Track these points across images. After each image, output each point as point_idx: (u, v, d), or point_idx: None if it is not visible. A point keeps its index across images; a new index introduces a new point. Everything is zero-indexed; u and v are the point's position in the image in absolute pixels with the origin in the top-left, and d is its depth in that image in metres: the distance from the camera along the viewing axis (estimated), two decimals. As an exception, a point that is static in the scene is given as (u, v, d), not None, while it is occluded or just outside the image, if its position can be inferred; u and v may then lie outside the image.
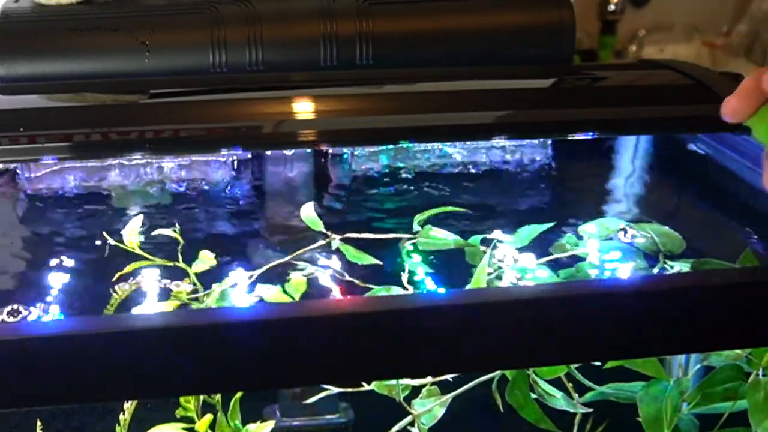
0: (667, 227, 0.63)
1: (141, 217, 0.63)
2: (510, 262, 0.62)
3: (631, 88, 0.69)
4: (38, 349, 0.38)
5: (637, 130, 0.72)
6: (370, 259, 0.61)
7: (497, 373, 0.57)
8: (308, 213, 0.64)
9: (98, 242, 0.65)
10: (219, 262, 0.61)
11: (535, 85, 0.68)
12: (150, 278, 0.60)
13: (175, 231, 0.62)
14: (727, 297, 0.43)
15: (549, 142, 0.76)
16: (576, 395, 0.57)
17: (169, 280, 0.60)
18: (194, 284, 0.59)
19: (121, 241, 0.63)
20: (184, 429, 0.55)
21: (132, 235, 0.62)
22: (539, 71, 0.69)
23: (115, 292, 0.59)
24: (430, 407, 0.57)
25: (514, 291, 0.46)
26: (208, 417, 0.55)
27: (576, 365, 0.57)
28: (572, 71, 0.72)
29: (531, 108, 0.64)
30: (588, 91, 0.69)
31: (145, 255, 0.60)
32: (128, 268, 0.60)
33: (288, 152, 0.73)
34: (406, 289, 0.58)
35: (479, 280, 0.58)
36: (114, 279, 0.59)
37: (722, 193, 0.72)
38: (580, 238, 0.63)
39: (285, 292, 0.59)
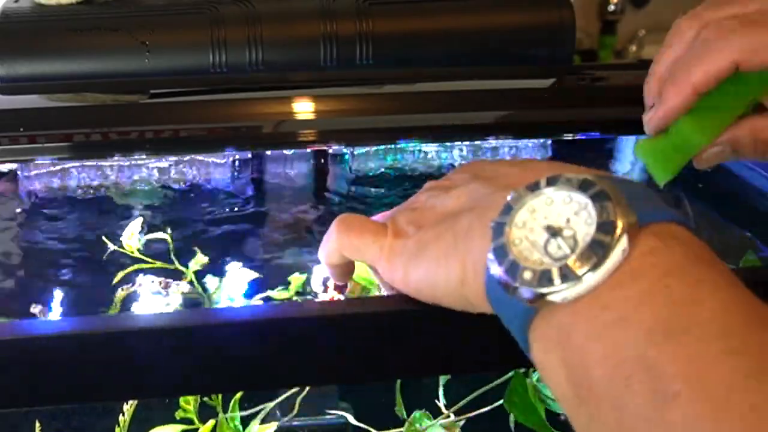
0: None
1: (140, 219, 0.63)
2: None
3: (631, 88, 0.69)
4: (38, 349, 0.38)
5: (636, 131, 0.72)
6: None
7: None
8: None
9: (98, 243, 0.65)
10: (219, 262, 0.61)
11: (534, 85, 0.68)
12: (149, 279, 0.60)
13: (174, 231, 0.62)
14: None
15: (549, 142, 0.76)
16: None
17: (169, 280, 0.60)
18: (192, 284, 0.59)
19: (121, 244, 0.63)
20: (183, 430, 0.55)
21: (131, 238, 0.62)
22: (538, 71, 0.69)
23: (114, 296, 0.59)
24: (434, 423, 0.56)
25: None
26: (212, 422, 0.55)
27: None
28: (572, 71, 0.72)
29: (530, 108, 0.64)
30: (587, 92, 0.69)
31: (144, 258, 0.60)
32: (128, 270, 0.60)
33: (288, 152, 0.73)
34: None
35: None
36: (115, 281, 0.59)
37: (722, 194, 0.72)
38: None
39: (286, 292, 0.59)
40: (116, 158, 0.67)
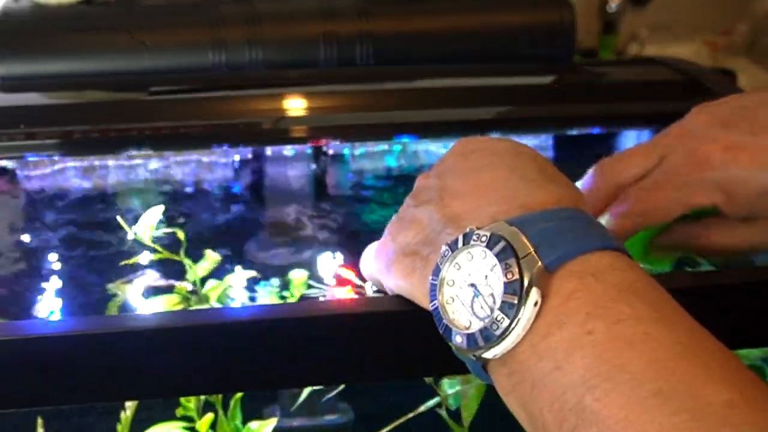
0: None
1: (161, 208, 0.62)
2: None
3: (626, 84, 0.70)
4: (38, 349, 0.38)
5: (632, 126, 0.72)
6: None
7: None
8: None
9: (98, 243, 0.65)
10: (219, 261, 0.61)
11: (526, 81, 0.68)
12: (151, 275, 0.60)
13: (175, 229, 0.62)
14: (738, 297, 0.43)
15: (550, 143, 0.76)
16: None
17: (168, 278, 0.60)
18: (195, 283, 0.59)
19: (121, 239, 0.63)
20: (184, 428, 0.55)
21: (148, 228, 0.61)
22: (533, 69, 0.70)
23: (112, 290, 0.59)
24: (459, 389, 0.56)
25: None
26: (209, 416, 0.55)
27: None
28: (565, 69, 0.72)
29: (523, 104, 0.64)
30: (581, 88, 0.69)
31: (157, 247, 0.60)
32: (133, 260, 0.60)
33: (288, 153, 0.73)
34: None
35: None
36: (122, 263, 0.59)
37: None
38: None
39: (283, 294, 0.59)
40: (116, 158, 0.67)
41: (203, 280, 0.60)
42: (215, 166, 0.71)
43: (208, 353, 0.39)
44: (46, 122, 0.60)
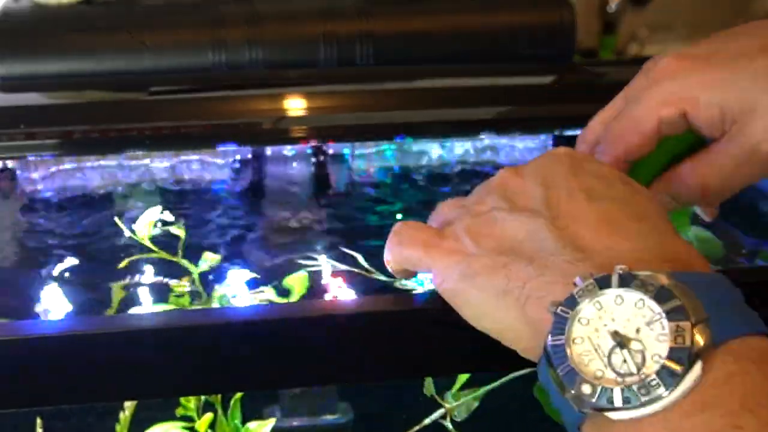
0: (708, 232, 0.62)
1: (158, 208, 0.62)
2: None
3: (626, 84, 0.70)
4: (38, 349, 0.38)
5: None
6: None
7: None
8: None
9: (98, 242, 0.65)
10: (218, 261, 0.61)
11: (526, 81, 0.68)
12: (150, 274, 0.60)
13: (175, 229, 0.62)
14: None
15: (550, 143, 0.76)
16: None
17: (168, 278, 0.60)
18: (194, 282, 0.59)
19: (120, 239, 0.63)
20: (184, 428, 0.55)
21: (146, 227, 0.61)
22: (533, 69, 0.70)
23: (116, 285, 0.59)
24: (464, 401, 0.56)
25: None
26: (208, 416, 0.55)
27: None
28: (565, 69, 0.72)
29: (523, 104, 0.64)
30: (581, 88, 0.69)
31: (153, 247, 0.60)
32: (129, 260, 0.60)
33: (288, 153, 0.73)
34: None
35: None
36: (122, 264, 0.59)
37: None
38: None
39: (283, 291, 0.59)
40: (116, 158, 0.67)
41: (203, 280, 0.60)
42: (215, 166, 0.71)
43: (208, 353, 0.39)
44: (46, 122, 0.60)
